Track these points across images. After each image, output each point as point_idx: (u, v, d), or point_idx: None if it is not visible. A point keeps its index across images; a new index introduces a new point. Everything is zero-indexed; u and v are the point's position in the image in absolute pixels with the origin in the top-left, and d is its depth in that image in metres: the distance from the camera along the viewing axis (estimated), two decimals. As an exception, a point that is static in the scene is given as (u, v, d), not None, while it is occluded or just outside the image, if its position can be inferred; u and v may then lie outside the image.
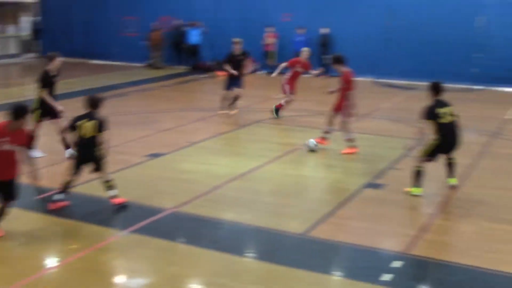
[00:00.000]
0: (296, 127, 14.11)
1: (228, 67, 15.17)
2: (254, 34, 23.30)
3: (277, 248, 7.42)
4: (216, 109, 15.49)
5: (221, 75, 18.25)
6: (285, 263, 6.93)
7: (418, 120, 9.22)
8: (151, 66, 25.49)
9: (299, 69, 14.62)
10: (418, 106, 9.55)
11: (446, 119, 8.96)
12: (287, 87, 14.76)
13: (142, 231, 7.79)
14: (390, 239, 7.81)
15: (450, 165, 9.44)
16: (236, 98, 15.35)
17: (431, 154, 9.15)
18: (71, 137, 8.69)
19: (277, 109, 14.90)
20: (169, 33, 25.50)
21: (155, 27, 25.33)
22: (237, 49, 15.25)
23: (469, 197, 9.32)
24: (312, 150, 11.64)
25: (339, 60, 11.47)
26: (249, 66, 17.40)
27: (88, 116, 8.39)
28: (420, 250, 7.33)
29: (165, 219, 8.28)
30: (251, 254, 7.35)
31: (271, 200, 9.20)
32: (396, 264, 6.90)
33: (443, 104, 9.09)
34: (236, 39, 15.37)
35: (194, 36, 24.52)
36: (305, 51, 14.73)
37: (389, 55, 21.79)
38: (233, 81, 15.26)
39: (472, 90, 20.12)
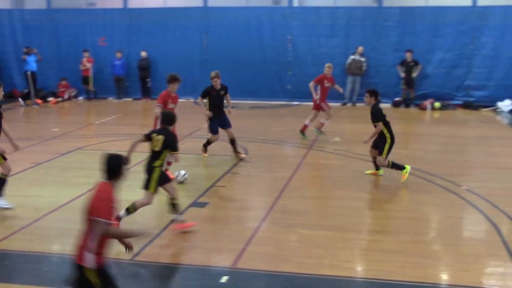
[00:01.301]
0: (118, 152, 13.85)
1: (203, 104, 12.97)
2: (72, 59, 22.70)
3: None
4: (35, 138, 14.74)
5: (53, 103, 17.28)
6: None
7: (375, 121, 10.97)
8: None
9: (327, 84, 15.18)
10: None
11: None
12: (324, 105, 15.20)
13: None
14: (218, 256, 7.98)
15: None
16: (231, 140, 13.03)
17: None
18: None
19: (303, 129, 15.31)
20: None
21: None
22: (218, 83, 12.87)
23: (290, 207, 9.83)
24: (180, 182, 11.10)
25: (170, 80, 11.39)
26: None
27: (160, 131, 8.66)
28: (247, 263, 7.58)
29: (-20, 259, 7.73)
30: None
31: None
32: (224, 279, 7.07)
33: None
34: None
35: (31, 63, 22.85)
36: (328, 67, 15.33)
37: (208, 76, 22.27)
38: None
39: (289, 105, 21.24)
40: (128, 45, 23.03)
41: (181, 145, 12.96)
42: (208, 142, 13.04)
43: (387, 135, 11.05)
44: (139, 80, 22.92)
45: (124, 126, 16.55)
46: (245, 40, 22.11)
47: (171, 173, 11.43)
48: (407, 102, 20.98)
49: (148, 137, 8.66)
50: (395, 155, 13.47)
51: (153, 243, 8.20)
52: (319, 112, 15.28)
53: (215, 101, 12.81)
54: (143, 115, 20.31)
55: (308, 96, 21.15)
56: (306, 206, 10.14)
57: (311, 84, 15.23)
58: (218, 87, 12.77)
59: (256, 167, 12.25)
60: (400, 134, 16.67)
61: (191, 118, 17.59)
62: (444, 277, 7.41)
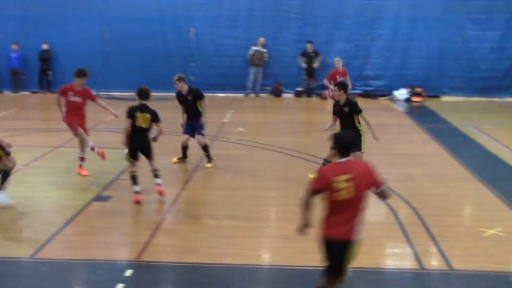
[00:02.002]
0: (15, 147, 13.32)
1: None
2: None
3: (4, 276, 6.98)
4: None
5: None
6: (13, 290, 6.57)
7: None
8: None
9: (340, 79, 14.96)
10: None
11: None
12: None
13: None
14: (121, 249, 7.88)
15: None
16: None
17: None
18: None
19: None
20: None
21: None
22: (180, 87, 11.77)
23: (195, 199, 9.84)
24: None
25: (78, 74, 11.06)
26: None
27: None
28: (152, 256, 7.53)
29: None
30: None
31: (-8, 227, 8.60)
32: (129, 273, 6.98)
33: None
34: None
35: None
36: (337, 61, 15.56)
37: (109, 68, 21.87)
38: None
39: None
40: (25, 37, 22.08)
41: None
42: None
43: (361, 128, 10.58)
44: (39, 73, 22.08)
45: (22, 121, 15.94)
46: (148, 32, 21.81)
47: (83, 170, 11.14)
48: (308, 92, 21.46)
49: (131, 116, 9.36)
50: (299, 144, 13.78)
51: (54, 239, 7.97)
52: None
53: (185, 107, 11.82)
54: (42, 108, 19.62)
55: (213, 88, 21.31)
56: (211, 197, 10.20)
57: (325, 82, 15.73)
58: (184, 91, 11.74)
59: (161, 160, 12.11)
60: (304, 124, 17.12)
61: (95, 110, 17.16)
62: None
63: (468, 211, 9.79)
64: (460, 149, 13.53)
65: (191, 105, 11.72)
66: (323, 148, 13.39)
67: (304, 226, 5.91)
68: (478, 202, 9.96)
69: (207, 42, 21.75)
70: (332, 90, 14.72)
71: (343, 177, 5.41)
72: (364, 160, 5.62)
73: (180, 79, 11.69)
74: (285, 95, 21.66)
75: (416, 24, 21.28)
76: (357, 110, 10.39)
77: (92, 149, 11.15)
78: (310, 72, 21.25)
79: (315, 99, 21.07)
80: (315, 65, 21.20)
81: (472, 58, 21.24)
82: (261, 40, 21.34)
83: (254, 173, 11.33)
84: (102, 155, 11.20)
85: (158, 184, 9.63)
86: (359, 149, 10.25)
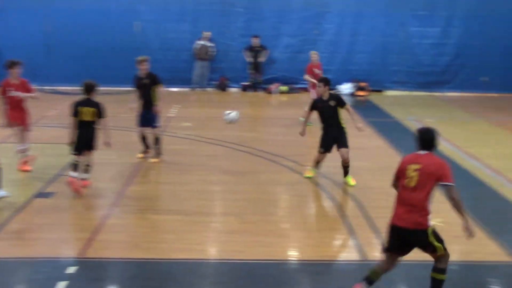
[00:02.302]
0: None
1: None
2: None
3: None
4: None
5: None
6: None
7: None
8: None
9: (317, 71, 15.38)
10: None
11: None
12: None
13: None
14: (65, 246, 7.75)
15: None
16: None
17: None
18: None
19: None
20: None
21: None
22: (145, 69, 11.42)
23: (140, 194, 9.75)
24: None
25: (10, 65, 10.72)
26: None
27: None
28: (96, 252, 7.44)
29: None
30: None
31: None
32: (71, 270, 6.86)
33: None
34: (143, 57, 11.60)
35: None
36: (314, 54, 15.72)
37: (51, 62, 21.36)
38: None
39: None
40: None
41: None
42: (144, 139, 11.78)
43: (344, 125, 10.50)
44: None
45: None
46: (92, 25, 21.32)
47: (27, 165, 10.85)
48: (255, 86, 21.50)
49: (74, 113, 9.40)
50: (245, 138, 13.81)
51: (-6, 237, 7.78)
52: None
53: (141, 91, 11.35)
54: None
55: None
56: (157, 192, 10.13)
57: (306, 77, 15.72)
58: (142, 75, 11.31)
59: (107, 154, 11.94)
60: (249, 118, 17.13)
61: (34, 105, 16.78)
62: (291, 253, 7.74)
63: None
64: (403, 142, 13.81)
65: (147, 90, 11.35)
66: (269, 142, 13.50)
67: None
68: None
69: (153, 36, 21.49)
70: (315, 85, 14.97)
71: (413, 167, 5.96)
72: (441, 158, 6.05)
73: (143, 62, 11.35)
74: (231, 90, 21.65)
75: (361, 19, 21.57)
76: (343, 103, 10.34)
77: (22, 152, 10.86)
78: (256, 66, 21.30)
79: (261, 94, 21.13)
80: (261, 59, 21.25)
81: (415, 53, 21.69)
82: (207, 34, 21.23)
83: (200, 168, 11.29)
84: (24, 167, 10.85)
85: (83, 179, 9.56)
86: (345, 146, 10.30)
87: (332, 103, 10.27)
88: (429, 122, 16.00)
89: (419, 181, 5.89)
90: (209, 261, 7.45)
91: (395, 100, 20.29)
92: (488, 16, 21.43)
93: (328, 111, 10.30)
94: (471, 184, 10.72)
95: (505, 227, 8.53)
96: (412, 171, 5.96)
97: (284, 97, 20.66)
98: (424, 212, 5.94)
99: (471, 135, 14.86)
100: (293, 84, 21.51)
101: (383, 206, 9.31)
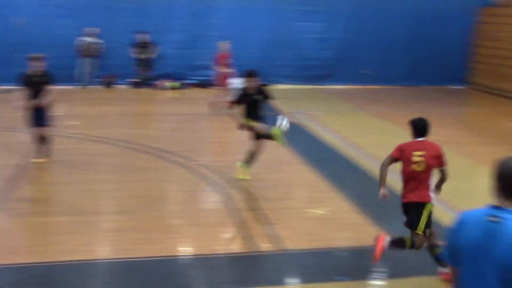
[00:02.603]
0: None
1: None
2: None
3: None
4: None
5: None
6: None
7: None
8: None
9: (226, 61, 16.29)
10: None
11: None
12: (225, 82, 16.12)
13: None
14: None
15: None
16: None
17: None
18: None
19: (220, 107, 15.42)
20: None
21: None
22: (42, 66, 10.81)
23: (25, 196, 9.37)
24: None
25: None
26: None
27: None
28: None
29: None
30: None
31: None
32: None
33: None
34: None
35: None
36: (224, 44, 16.50)
37: None
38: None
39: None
40: None
41: None
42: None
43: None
44: None
45: None
46: None
47: None
48: (144, 83, 21.19)
49: None
50: (134, 135, 13.62)
51: None
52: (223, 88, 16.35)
53: (32, 89, 10.73)
54: None
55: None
56: (42, 193, 9.76)
57: (215, 67, 16.45)
58: (35, 72, 10.74)
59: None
60: (138, 115, 16.92)
61: None
62: (182, 249, 7.72)
63: (298, 194, 10.27)
64: (291, 135, 14.12)
65: (39, 89, 10.70)
66: (159, 138, 13.37)
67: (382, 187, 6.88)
68: (308, 184, 10.49)
69: (35, 32, 20.59)
70: (225, 75, 15.92)
71: (418, 153, 6.67)
72: (435, 142, 6.86)
73: (36, 59, 10.75)
74: (119, 86, 21.22)
75: (249, 15, 21.82)
76: (270, 97, 10.20)
77: None
78: (145, 62, 20.99)
79: (150, 90, 20.83)
80: (150, 55, 20.96)
81: (301, 48, 22.23)
82: (93, 30, 20.66)
83: (89, 167, 10.99)
84: None
85: None
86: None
87: (258, 97, 10.08)
88: (315, 115, 16.49)
89: (426, 165, 6.65)
90: (96, 261, 7.26)
91: (283, 94, 20.49)
92: (368, 12, 22.39)
93: (252, 103, 10.04)
94: (354, 172, 11.17)
95: (388, 212, 8.93)
96: (418, 157, 6.69)
97: (172, 93, 20.51)
98: (428, 187, 6.72)
99: (354, 126, 15.46)
100: (182, 79, 21.42)
101: (272, 198, 9.54)
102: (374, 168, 11.19)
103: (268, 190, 9.89)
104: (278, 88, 21.97)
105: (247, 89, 10.16)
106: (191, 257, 7.50)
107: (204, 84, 21.39)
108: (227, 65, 16.68)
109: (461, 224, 3.54)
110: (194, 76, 21.79)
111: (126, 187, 10.05)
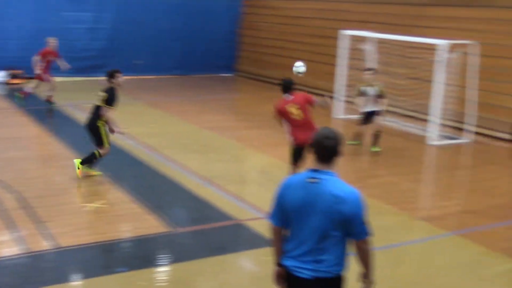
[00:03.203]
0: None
1: None
2: None
3: None
4: None
5: None
6: None
7: None
8: None
9: (51, 58, 15.92)
10: None
11: None
12: (46, 76, 15.88)
13: None
14: None
15: None
16: None
17: None
18: None
19: (25, 96, 16.18)
20: None
21: None
22: None
23: None
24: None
25: None
26: None
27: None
28: None
29: None
30: None
31: None
32: None
33: None
34: None
35: None
36: (53, 41, 15.89)
37: None
38: None
39: None
40: None
41: None
42: None
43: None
44: None
45: None
46: None
47: None
48: None
49: None
50: None
51: None
52: (42, 82, 16.06)
53: None
54: None
55: None
56: None
57: (35, 58, 15.75)
58: None
59: None
60: None
61: None
62: None
63: (72, 189, 9.85)
64: (61, 129, 13.68)
65: None
66: None
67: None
68: (82, 179, 10.04)
69: None
70: (46, 69, 15.74)
71: (293, 106, 8.62)
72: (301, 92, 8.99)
73: None
74: None
75: (8, 4, 20.47)
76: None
77: None
78: None
79: None
80: None
81: (70, 38, 21.39)
82: None
83: None
84: None
85: None
86: None
87: (102, 94, 10.03)
88: (87, 106, 16.08)
89: (303, 114, 8.54)
90: None
91: (56, 87, 19.80)
92: (138, 2, 22.39)
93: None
94: (130, 163, 11.14)
95: (162, 200, 9.08)
96: (295, 110, 8.54)
97: None
98: (313, 126, 8.44)
99: (129, 116, 15.35)
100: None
101: (44, 195, 9.16)
102: (150, 159, 11.30)
103: (39, 187, 9.46)
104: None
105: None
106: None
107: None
108: (50, 61, 15.85)
109: (285, 188, 4.10)
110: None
111: None
